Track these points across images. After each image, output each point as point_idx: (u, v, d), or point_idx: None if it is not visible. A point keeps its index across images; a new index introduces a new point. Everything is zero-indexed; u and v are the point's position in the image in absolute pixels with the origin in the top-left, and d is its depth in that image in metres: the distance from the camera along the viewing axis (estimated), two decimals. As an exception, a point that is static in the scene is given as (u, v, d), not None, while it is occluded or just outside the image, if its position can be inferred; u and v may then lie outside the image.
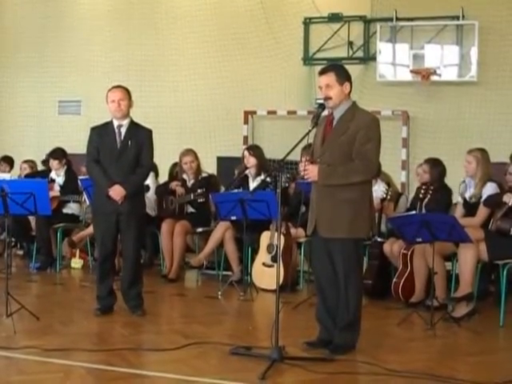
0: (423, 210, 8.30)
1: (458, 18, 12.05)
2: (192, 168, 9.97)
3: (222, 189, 10.19)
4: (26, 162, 11.55)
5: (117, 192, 7.22)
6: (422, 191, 8.36)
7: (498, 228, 7.61)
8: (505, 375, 5.53)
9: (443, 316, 7.24)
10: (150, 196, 9.87)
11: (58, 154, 10.64)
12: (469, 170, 8.08)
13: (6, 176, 11.15)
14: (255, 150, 9.66)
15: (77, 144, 11.94)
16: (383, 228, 8.86)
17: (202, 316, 7.65)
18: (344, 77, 6.04)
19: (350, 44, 12.86)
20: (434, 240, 7.15)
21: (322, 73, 6.09)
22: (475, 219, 7.86)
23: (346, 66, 6.27)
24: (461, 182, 8.35)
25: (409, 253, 8.15)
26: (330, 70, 6.06)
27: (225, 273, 9.52)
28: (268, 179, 8.64)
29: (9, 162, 12.16)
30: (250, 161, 9.52)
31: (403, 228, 7.38)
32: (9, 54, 14.98)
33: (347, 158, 5.90)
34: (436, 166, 8.65)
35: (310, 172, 5.92)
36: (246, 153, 9.65)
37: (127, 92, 7.46)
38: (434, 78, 12.09)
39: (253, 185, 9.40)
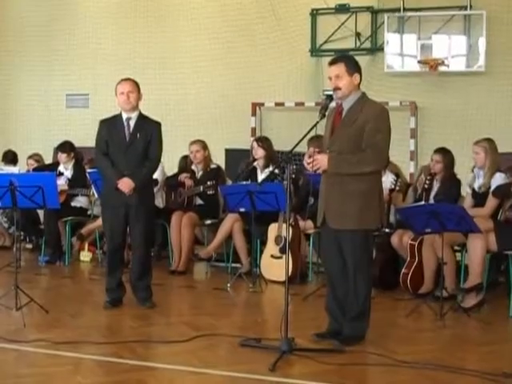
0: (431, 201, 8.29)
1: (465, 7, 11.98)
2: (197, 158, 9.96)
3: (229, 181, 10.18)
4: (31, 157, 11.52)
5: (125, 184, 7.23)
6: (428, 181, 8.36)
7: (507, 218, 7.59)
8: (515, 365, 5.53)
9: (452, 307, 7.24)
10: (157, 189, 9.83)
11: (66, 147, 10.63)
12: (477, 160, 8.06)
13: (15, 170, 11.16)
14: (264, 142, 9.64)
15: (85, 137, 11.94)
16: (392, 219, 8.84)
17: (211, 308, 7.66)
18: (354, 68, 6.03)
19: (358, 35, 12.79)
20: (443, 230, 7.13)
21: (331, 63, 6.08)
22: (484, 209, 7.83)
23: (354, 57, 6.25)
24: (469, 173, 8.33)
25: (416, 243, 8.14)
26: (340, 60, 6.05)
27: (234, 265, 9.52)
28: (276, 171, 8.64)
29: (12, 156, 12.16)
30: (259, 152, 9.51)
31: (412, 219, 7.37)
32: (15, 47, 14.94)
33: (356, 148, 5.89)
34: (447, 155, 8.60)
35: (319, 161, 5.92)
36: (255, 144, 9.63)
37: (136, 84, 7.46)
38: (442, 68, 12.03)
39: (261, 176, 9.39)
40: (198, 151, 9.97)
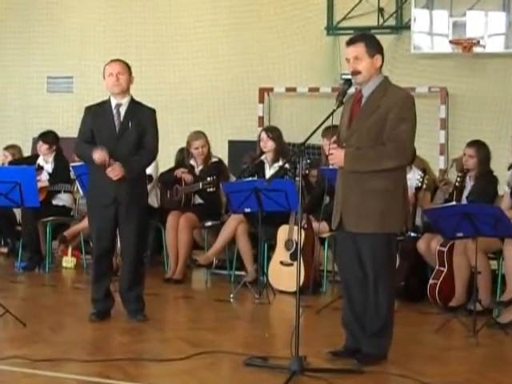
0: (463, 201, 8.29)
1: (504, -20, 12.00)
2: (203, 153, 9.97)
3: (232, 177, 10.17)
4: (7, 148, 11.54)
5: (116, 170, 7.13)
6: (459, 179, 8.36)
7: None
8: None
9: (487, 322, 7.23)
10: (151, 186, 9.84)
11: (50, 137, 10.64)
12: (516, 154, 8.07)
13: (-11, 163, 11.20)
14: (273, 133, 9.61)
15: (68, 126, 11.96)
16: (418, 221, 8.85)
17: (211, 322, 7.68)
18: (375, 48, 6.04)
19: (381, 11, 12.79)
20: (476, 235, 7.12)
21: (350, 43, 6.08)
22: (525, 211, 7.84)
23: (376, 36, 6.26)
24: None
25: (446, 250, 8.14)
26: (359, 40, 6.05)
27: (237, 273, 9.55)
28: (287, 165, 8.64)
29: None
30: (268, 144, 9.49)
31: (441, 221, 7.36)
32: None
33: (377, 141, 5.89)
34: (482, 149, 8.58)
35: (336, 157, 5.93)
36: (264, 135, 9.59)
37: (127, 66, 7.45)
38: (477, 49, 12.02)
39: (269, 172, 9.39)
40: (203, 146, 9.98)
